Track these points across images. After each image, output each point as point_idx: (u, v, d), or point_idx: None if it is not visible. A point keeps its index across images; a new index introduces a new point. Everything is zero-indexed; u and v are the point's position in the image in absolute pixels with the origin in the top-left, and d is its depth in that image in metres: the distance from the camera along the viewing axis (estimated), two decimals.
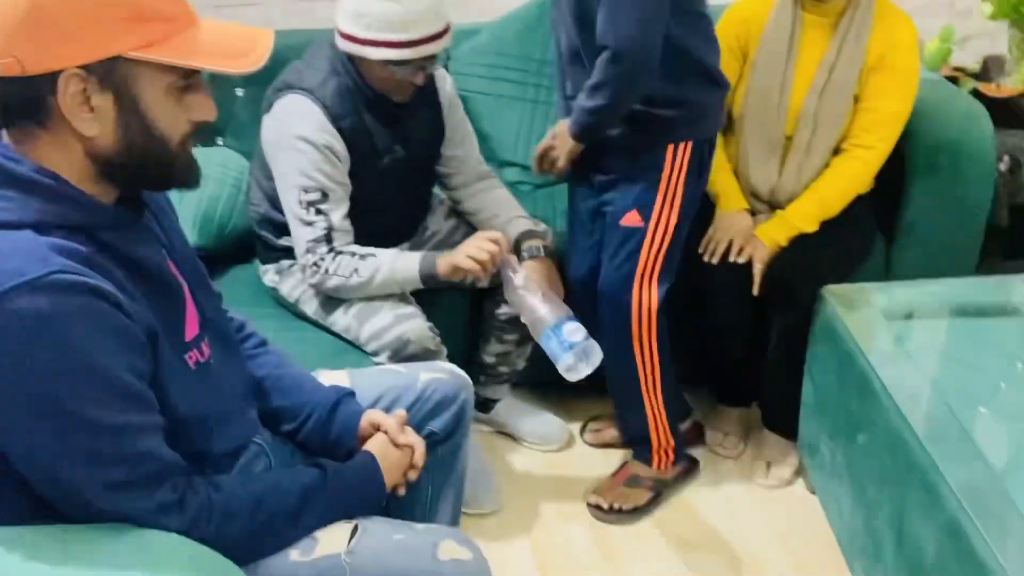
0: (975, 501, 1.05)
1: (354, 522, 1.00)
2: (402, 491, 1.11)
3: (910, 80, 1.62)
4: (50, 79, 0.78)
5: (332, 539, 0.97)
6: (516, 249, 1.64)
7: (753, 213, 1.74)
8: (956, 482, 1.08)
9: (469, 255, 1.42)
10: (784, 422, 1.74)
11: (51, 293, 0.76)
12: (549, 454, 1.85)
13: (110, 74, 0.80)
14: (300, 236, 1.49)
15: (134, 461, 0.84)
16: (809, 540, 1.61)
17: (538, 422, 1.87)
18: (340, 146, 1.48)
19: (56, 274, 0.77)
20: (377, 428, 1.12)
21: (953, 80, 2.01)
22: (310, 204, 1.47)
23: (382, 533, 0.99)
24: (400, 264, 1.49)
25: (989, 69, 2.08)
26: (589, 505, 1.69)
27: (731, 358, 1.82)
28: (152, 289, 0.89)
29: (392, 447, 1.10)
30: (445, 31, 1.46)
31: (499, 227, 1.67)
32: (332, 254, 1.49)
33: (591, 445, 1.86)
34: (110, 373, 0.81)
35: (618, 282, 1.57)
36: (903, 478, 1.18)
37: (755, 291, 1.65)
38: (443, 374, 1.25)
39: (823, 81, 1.62)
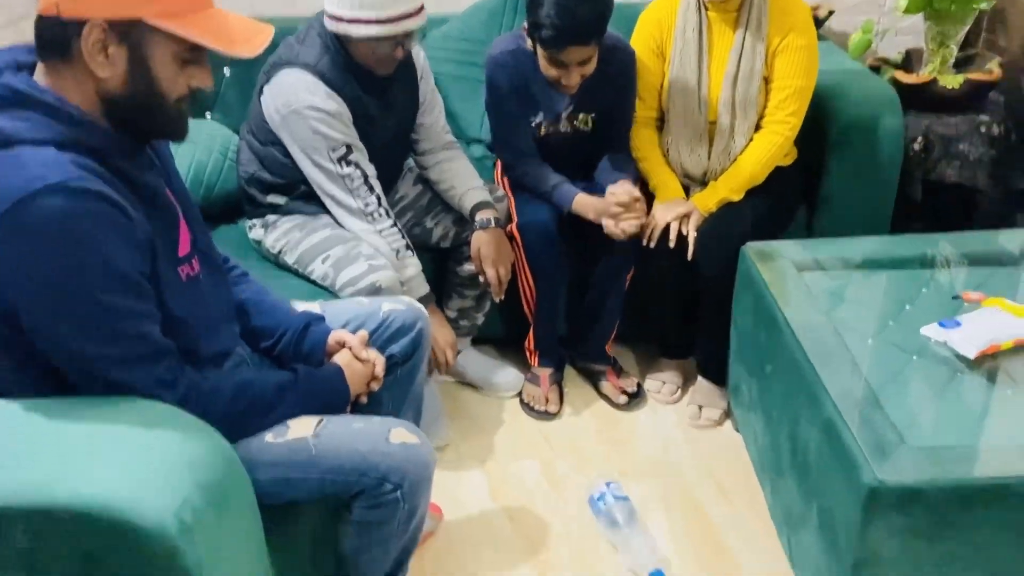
0: (847, 403, 1.24)
1: (321, 415, 1.17)
2: (364, 399, 1.28)
3: (810, 56, 1.81)
4: (78, 25, 0.93)
5: (301, 426, 1.14)
6: (471, 218, 1.83)
7: (687, 189, 1.93)
8: (834, 390, 1.27)
9: (436, 348, 1.75)
10: (715, 371, 1.94)
11: (67, 196, 0.90)
12: (505, 400, 2.03)
13: (129, 32, 0.95)
14: (339, 188, 1.65)
15: (135, 340, 0.99)
16: (732, 471, 1.80)
17: (496, 372, 2.05)
18: (346, 111, 1.64)
19: (72, 180, 0.91)
20: (342, 345, 1.30)
21: (876, 69, 2.22)
22: (340, 159, 1.63)
23: (344, 422, 1.17)
24: (421, 280, 1.73)
25: (911, 59, 2.29)
26: (625, 393, 2.00)
27: (669, 316, 2.01)
28: (151, 209, 1.05)
29: (356, 361, 1.28)
30: (420, 10, 1.63)
31: (457, 197, 1.86)
32: (389, 217, 1.68)
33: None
34: (115, 265, 0.95)
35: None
36: (797, 395, 1.38)
37: (689, 255, 1.84)
38: (402, 305, 1.43)
39: (734, 70, 1.82)
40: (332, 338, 1.31)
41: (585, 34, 1.69)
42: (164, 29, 0.96)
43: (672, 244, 1.82)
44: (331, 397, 1.22)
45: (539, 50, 1.76)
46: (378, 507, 1.15)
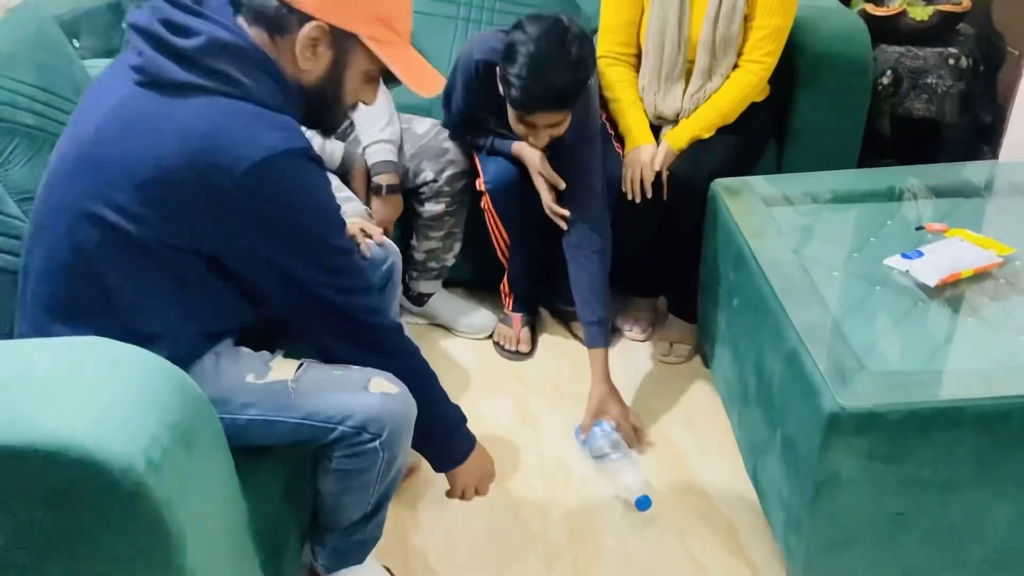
0: (809, 333, 1.26)
1: (301, 359, 1.17)
2: (469, 497, 1.34)
3: None
4: (304, 18, 1.03)
5: (282, 368, 1.14)
6: (368, 178, 1.80)
7: (659, 129, 1.92)
8: (798, 321, 1.29)
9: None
10: (685, 308, 1.96)
11: (305, 157, 1.03)
12: (478, 341, 2.04)
13: (342, 41, 1.06)
14: None
15: (354, 273, 1.13)
16: (701, 405, 1.83)
17: (469, 314, 2.06)
18: None
19: (309, 148, 1.04)
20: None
21: (846, 1, 2.20)
22: None
23: (324, 369, 1.16)
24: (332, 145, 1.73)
25: None
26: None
27: (640, 255, 2.01)
28: None
29: (488, 459, 1.35)
30: None
31: (361, 147, 1.82)
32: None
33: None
34: (334, 213, 1.09)
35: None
36: (762, 327, 1.40)
37: (664, 195, 1.83)
38: (372, 241, 1.42)
39: (715, 8, 1.79)
40: None
41: (557, 101, 1.56)
42: (373, 50, 1.07)
43: (642, 195, 1.82)
44: (452, 452, 1.30)
45: (508, 105, 1.62)
46: (356, 456, 1.15)
